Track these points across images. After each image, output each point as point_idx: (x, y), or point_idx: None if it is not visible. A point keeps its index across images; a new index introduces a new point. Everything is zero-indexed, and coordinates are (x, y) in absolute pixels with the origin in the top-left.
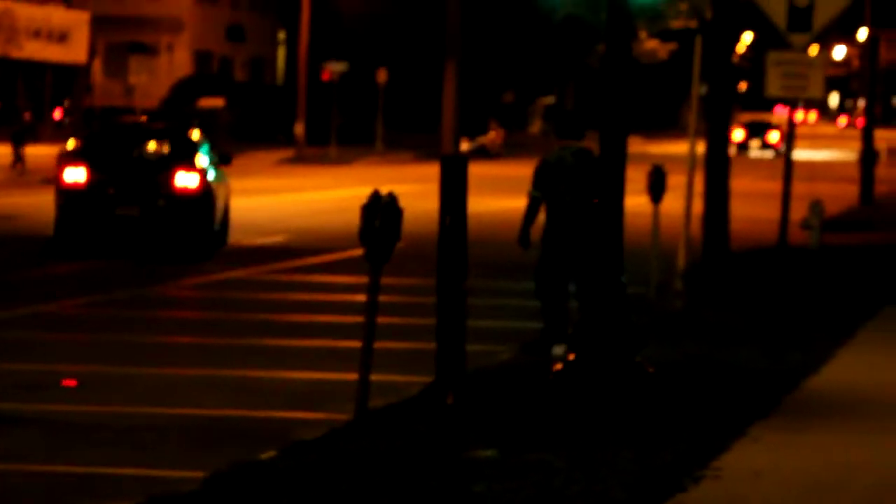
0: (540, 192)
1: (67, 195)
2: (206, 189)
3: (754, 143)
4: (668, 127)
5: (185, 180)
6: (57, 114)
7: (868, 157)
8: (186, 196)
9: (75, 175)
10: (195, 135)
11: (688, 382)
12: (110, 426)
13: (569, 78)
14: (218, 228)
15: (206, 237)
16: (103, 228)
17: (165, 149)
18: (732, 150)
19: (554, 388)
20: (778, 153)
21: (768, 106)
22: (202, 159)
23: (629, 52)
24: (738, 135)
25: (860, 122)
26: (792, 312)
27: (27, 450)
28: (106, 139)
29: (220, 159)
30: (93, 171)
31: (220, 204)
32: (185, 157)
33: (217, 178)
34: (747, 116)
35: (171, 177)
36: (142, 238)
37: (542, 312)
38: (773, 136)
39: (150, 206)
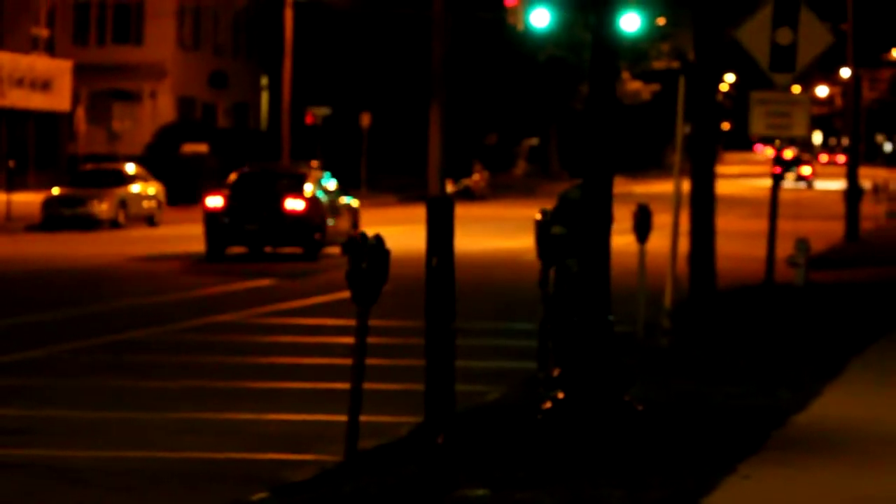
0: (565, 229)
1: (210, 215)
2: (309, 211)
3: (790, 176)
4: (652, 167)
5: (293, 204)
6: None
7: (853, 194)
8: (294, 215)
9: (215, 202)
10: (308, 174)
11: (677, 420)
12: (96, 469)
13: (552, 119)
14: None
15: (311, 245)
16: (235, 239)
17: (282, 182)
18: (769, 182)
19: (543, 427)
20: (809, 184)
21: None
22: (308, 189)
23: (613, 92)
24: (807, 169)
25: (840, 158)
26: (779, 349)
27: (12, 495)
28: (240, 179)
29: (343, 192)
30: (228, 199)
31: (328, 222)
32: (294, 189)
33: (329, 204)
34: (733, 156)
35: (282, 201)
36: (261, 245)
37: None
38: (806, 170)
39: (266, 222)
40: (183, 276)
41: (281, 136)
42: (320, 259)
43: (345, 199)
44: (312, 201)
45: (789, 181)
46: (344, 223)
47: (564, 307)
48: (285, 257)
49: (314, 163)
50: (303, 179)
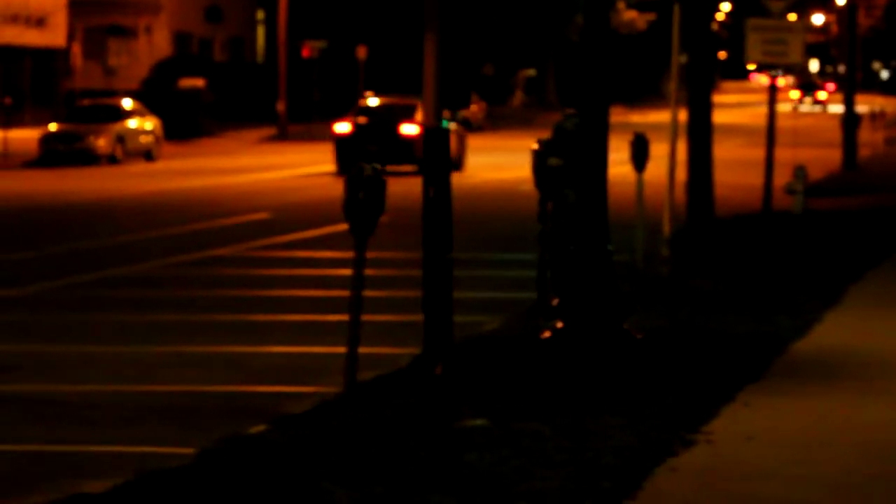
0: (562, 160)
1: (338, 139)
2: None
3: (807, 101)
4: (649, 96)
5: (408, 129)
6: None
7: (850, 121)
8: (408, 138)
9: (343, 128)
10: (419, 103)
11: (676, 348)
12: (96, 404)
13: (549, 50)
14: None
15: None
16: (359, 158)
17: (397, 111)
18: (789, 107)
19: (542, 357)
20: (825, 108)
21: (747, 74)
22: (419, 116)
23: (608, 23)
24: (794, 94)
25: (830, 87)
26: (778, 277)
27: (9, 429)
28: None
29: (455, 120)
30: (353, 125)
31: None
32: (408, 116)
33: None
34: (731, 85)
35: (398, 126)
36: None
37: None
38: (822, 95)
39: (385, 144)
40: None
41: (278, 70)
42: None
43: (454, 125)
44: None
45: (807, 105)
46: (453, 145)
47: (563, 238)
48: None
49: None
50: (415, 109)
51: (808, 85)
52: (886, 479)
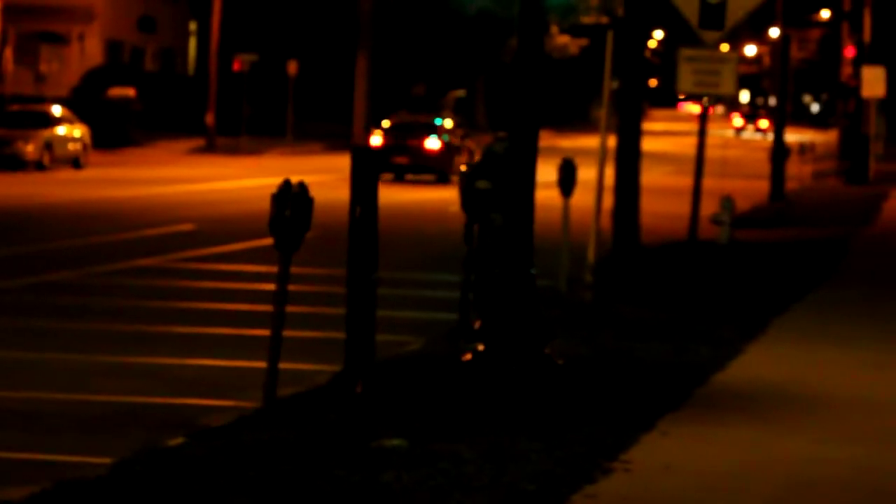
0: (490, 183)
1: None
2: (445, 148)
3: (749, 128)
4: (579, 121)
5: (431, 143)
6: None
7: (779, 153)
8: (432, 153)
9: (375, 141)
10: (441, 119)
11: (597, 375)
12: (15, 411)
13: (480, 72)
14: (451, 170)
15: (442, 174)
16: (387, 168)
17: (422, 127)
18: (731, 133)
19: (463, 379)
20: (765, 135)
21: (676, 103)
22: (443, 132)
23: (541, 46)
24: (737, 121)
25: (762, 122)
26: (702, 307)
27: None
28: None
29: (466, 136)
30: (384, 138)
31: (458, 159)
32: (431, 132)
33: (454, 144)
34: (660, 113)
35: (423, 140)
36: (405, 173)
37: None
38: (763, 123)
39: (411, 156)
40: (143, 214)
41: (208, 82)
42: (448, 184)
43: (466, 141)
44: (445, 142)
45: (748, 132)
46: (465, 157)
47: (487, 260)
48: (425, 181)
49: (447, 114)
50: (436, 127)
51: (750, 113)
52: None
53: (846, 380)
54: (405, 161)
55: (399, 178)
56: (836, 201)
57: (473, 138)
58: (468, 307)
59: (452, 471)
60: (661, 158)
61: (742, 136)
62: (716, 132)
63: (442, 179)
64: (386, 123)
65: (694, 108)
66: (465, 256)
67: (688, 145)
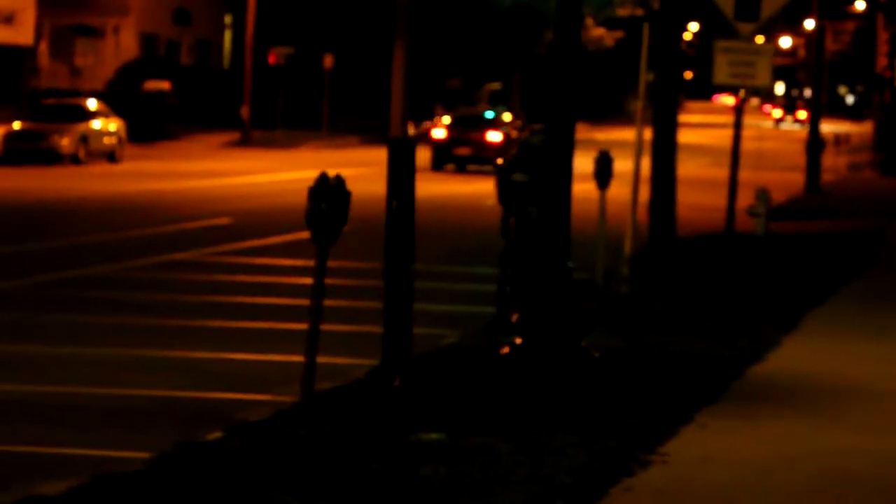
0: (527, 176)
1: (434, 144)
2: (505, 141)
3: (788, 119)
4: (614, 114)
5: (493, 136)
6: None
7: (814, 145)
8: (493, 144)
9: (439, 133)
10: (499, 111)
11: (634, 368)
12: (50, 405)
13: (516, 65)
14: None
15: None
16: (450, 159)
17: (483, 121)
18: (770, 124)
19: (500, 372)
20: (803, 126)
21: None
22: (504, 125)
23: (578, 39)
24: (777, 112)
25: (801, 113)
26: (738, 299)
27: None
28: (457, 116)
29: (523, 128)
30: (448, 131)
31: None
32: (494, 124)
33: (512, 136)
34: (696, 105)
35: (485, 133)
36: (467, 163)
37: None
38: (801, 114)
39: (473, 147)
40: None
41: (244, 75)
42: None
43: (523, 133)
44: (505, 134)
45: (787, 123)
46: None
47: (524, 254)
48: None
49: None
50: (497, 119)
51: (789, 104)
52: None
53: (883, 372)
54: (467, 153)
55: (461, 169)
56: (872, 193)
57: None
58: (505, 301)
59: (490, 464)
60: (697, 150)
61: (781, 126)
62: (751, 123)
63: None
64: (447, 119)
65: (728, 100)
66: (502, 250)
67: (723, 137)
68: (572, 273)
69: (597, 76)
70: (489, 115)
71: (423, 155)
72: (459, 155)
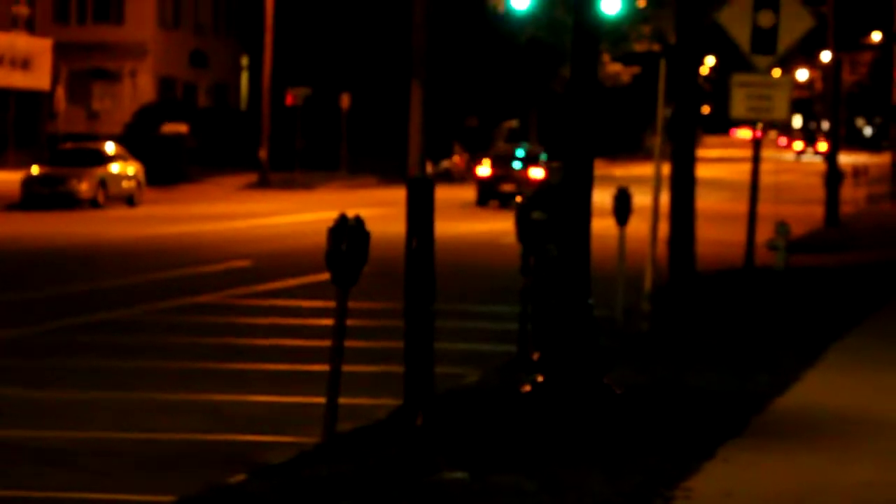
0: (546, 214)
1: (479, 181)
2: (546, 176)
3: (809, 151)
4: (632, 150)
5: (535, 173)
6: None
7: (833, 178)
8: (535, 181)
9: (484, 171)
10: (535, 150)
11: (656, 404)
12: (77, 451)
13: (532, 102)
14: None
15: None
16: (495, 195)
17: (527, 157)
18: (791, 157)
19: (523, 410)
20: (824, 158)
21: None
22: (544, 162)
23: (595, 75)
24: (798, 145)
25: (821, 145)
26: (759, 334)
27: None
28: (497, 154)
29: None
30: (492, 168)
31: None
32: (534, 160)
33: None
34: (713, 140)
35: (527, 170)
36: (511, 199)
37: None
38: (822, 146)
39: (519, 184)
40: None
41: (261, 117)
42: None
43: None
44: (548, 170)
45: (808, 155)
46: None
47: (544, 291)
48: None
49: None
50: (538, 156)
51: (810, 137)
52: None
53: None
54: (511, 188)
55: (504, 205)
56: (892, 224)
57: None
58: (527, 338)
59: (514, 502)
60: (716, 185)
61: (802, 158)
62: (769, 156)
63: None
64: (486, 163)
65: (745, 134)
66: (522, 288)
67: (742, 171)
68: (592, 310)
69: (614, 112)
70: (520, 153)
71: (469, 193)
72: (504, 192)
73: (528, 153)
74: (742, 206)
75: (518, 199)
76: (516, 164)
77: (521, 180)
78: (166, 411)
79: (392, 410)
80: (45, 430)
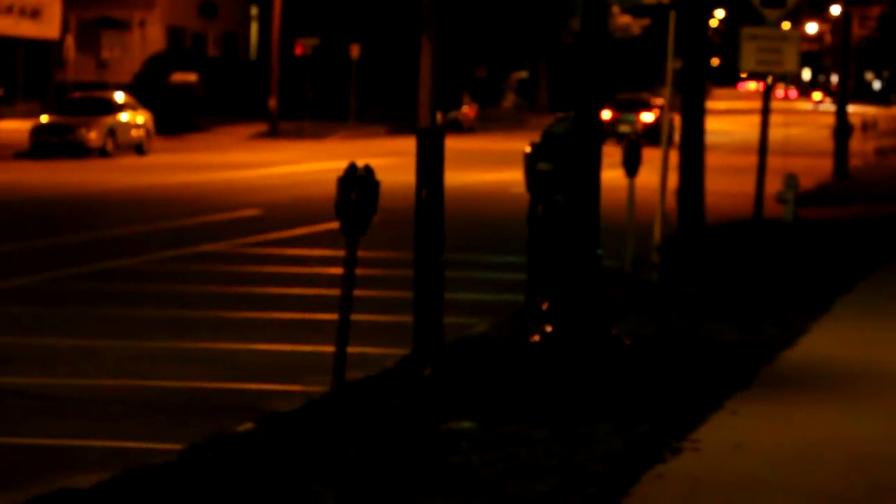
0: (552, 164)
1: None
2: (658, 120)
3: (827, 100)
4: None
5: (646, 116)
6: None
7: (842, 131)
8: (647, 124)
9: (605, 114)
10: (646, 98)
11: (665, 355)
12: (85, 398)
13: (542, 53)
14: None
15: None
16: (613, 135)
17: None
18: (811, 106)
19: (531, 360)
20: (815, 106)
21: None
22: (655, 106)
23: (605, 26)
24: (817, 96)
25: (815, 94)
26: (767, 285)
27: None
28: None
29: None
30: (612, 112)
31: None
32: (645, 105)
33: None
34: (722, 92)
35: (639, 114)
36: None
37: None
38: (816, 95)
39: (633, 126)
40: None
41: (270, 67)
42: (658, 145)
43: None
44: (657, 115)
45: (826, 104)
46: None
47: (552, 242)
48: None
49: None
50: (650, 102)
51: (826, 88)
52: (880, 491)
53: None
54: (627, 129)
55: (620, 142)
56: None
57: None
58: (535, 288)
59: (522, 452)
60: (725, 136)
61: (820, 108)
62: (779, 107)
63: (652, 142)
64: (605, 113)
65: (752, 86)
66: (528, 238)
67: (750, 124)
68: (601, 260)
69: (623, 64)
70: (647, 98)
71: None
72: (621, 132)
73: (640, 100)
74: (751, 159)
75: (526, 149)
76: (631, 109)
77: (634, 122)
78: (174, 359)
79: (400, 359)
80: (52, 378)
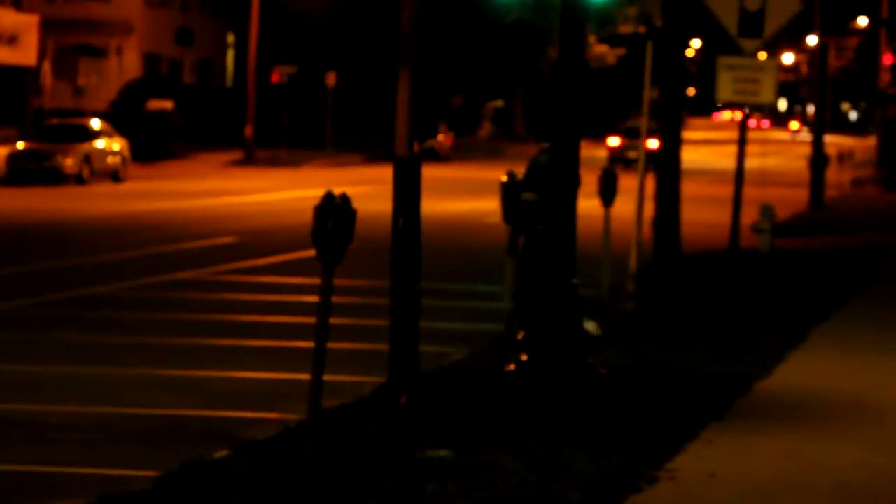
0: (536, 194)
1: (610, 149)
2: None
3: (804, 130)
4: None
5: (652, 143)
6: None
7: (818, 161)
8: (652, 150)
9: (614, 141)
10: (653, 125)
11: (640, 384)
12: (61, 425)
13: (518, 82)
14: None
15: None
16: (620, 161)
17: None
18: (789, 136)
19: (507, 389)
20: (794, 137)
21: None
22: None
23: (581, 56)
24: (794, 125)
25: (793, 124)
26: (743, 315)
27: None
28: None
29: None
30: (621, 139)
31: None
32: (653, 133)
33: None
34: (698, 122)
35: (646, 141)
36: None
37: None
38: (794, 125)
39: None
40: (157, 231)
41: (246, 94)
42: None
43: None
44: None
45: (803, 134)
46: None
47: (530, 271)
48: None
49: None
50: (655, 130)
51: (803, 118)
52: None
53: (888, 388)
54: (635, 155)
55: (627, 167)
56: (876, 209)
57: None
58: (512, 318)
59: (498, 481)
60: (701, 166)
61: (798, 138)
62: (755, 137)
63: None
64: (614, 140)
65: (727, 116)
66: (517, 268)
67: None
68: (578, 290)
69: (600, 93)
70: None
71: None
72: (629, 157)
73: (647, 128)
74: (727, 189)
75: (504, 178)
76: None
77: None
78: (148, 386)
79: (376, 388)
80: (27, 405)
